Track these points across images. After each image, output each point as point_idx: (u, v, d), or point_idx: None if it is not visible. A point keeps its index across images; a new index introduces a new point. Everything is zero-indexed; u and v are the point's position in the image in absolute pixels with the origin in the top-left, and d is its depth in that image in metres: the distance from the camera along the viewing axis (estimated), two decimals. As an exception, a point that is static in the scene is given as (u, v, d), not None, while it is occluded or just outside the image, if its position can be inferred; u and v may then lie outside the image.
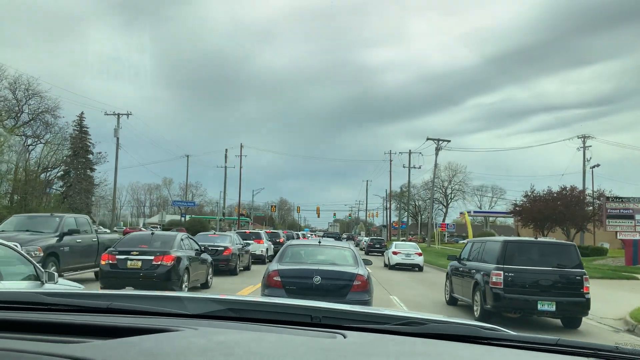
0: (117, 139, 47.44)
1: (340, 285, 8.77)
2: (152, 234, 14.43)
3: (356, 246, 47.99)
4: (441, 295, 15.02)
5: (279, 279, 8.85)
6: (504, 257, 10.53)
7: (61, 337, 1.39)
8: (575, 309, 10.26)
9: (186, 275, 12.97)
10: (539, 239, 12.10)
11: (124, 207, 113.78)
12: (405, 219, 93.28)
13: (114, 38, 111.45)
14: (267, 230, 40.16)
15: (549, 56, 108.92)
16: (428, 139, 52.93)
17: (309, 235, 62.55)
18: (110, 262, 12.29)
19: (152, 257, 12.21)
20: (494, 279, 10.37)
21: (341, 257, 9.86)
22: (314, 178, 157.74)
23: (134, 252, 12.41)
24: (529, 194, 43.58)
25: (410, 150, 65.77)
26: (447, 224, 77.66)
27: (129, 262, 12.25)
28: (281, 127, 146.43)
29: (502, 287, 10.26)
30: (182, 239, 13.84)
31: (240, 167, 63.54)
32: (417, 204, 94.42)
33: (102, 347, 1.26)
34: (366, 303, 8.72)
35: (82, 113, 53.72)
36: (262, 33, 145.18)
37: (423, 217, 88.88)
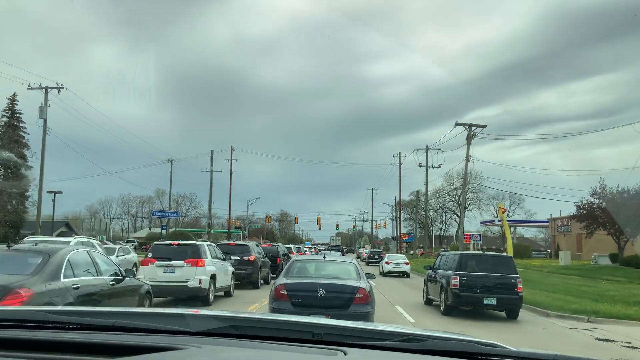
0: (45, 121, 35.31)
1: (343, 298, 9.25)
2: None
3: (357, 258, 51.94)
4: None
5: (285, 292, 9.37)
6: (460, 266, 14.24)
7: (67, 355, 1.44)
8: (511, 303, 13.89)
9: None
10: (485, 253, 15.85)
11: (114, 220, 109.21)
12: (414, 231, 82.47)
13: (116, 56, 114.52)
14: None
15: (549, 69, 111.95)
16: (457, 124, 40.59)
17: (307, 250, 53.41)
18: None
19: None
20: (452, 282, 14.02)
21: (344, 271, 10.39)
22: (316, 192, 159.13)
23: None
24: (599, 191, 34.85)
25: (427, 147, 54.36)
26: (472, 235, 65.71)
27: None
28: (282, 141, 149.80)
29: (458, 287, 13.90)
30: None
31: (231, 173, 56.67)
32: (428, 214, 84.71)
33: None
34: (368, 314, 9.24)
35: (15, 95, 41.81)
36: (263, 47, 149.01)
37: (433, 228, 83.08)
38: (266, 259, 22.75)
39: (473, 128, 40.35)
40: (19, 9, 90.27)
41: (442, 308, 14.74)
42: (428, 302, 17.05)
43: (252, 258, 19.93)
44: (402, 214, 79.11)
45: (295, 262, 11.08)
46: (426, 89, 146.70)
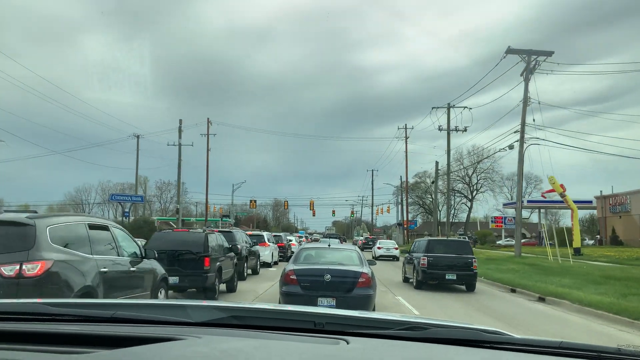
0: None
1: (347, 282, 9.94)
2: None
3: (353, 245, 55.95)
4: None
5: (295, 277, 10.08)
6: (428, 248, 17.67)
7: (66, 347, 1.43)
8: (468, 278, 17.31)
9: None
10: (448, 239, 19.33)
11: (93, 209, 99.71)
12: (420, 216, 78.25)
13: (108, 45, 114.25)
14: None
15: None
16: (509, 51, 29.08)
17: (298, 239, 47.47)
18: None
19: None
20: (422, 262, 17.41)
21: (348, 257, 11.17)
22: (312, 180, 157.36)
23: None
24: None
25: (449, 104, 42.11)
26: (505, 218, 54.86)
27: None
28: (276, 129, 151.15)
29: (426, 266, 17.31)
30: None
31: (208, 150, 48.76)
32: (433, 197, 77.52)
33: (107, 357, 1.31)
34: (370, 296, 10.00)
35: None
36: (256, 36, 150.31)
37: (440, 212, 69.51)
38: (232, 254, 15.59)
39: (534, 57, 28.72)
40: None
41: (414, 283, 18.17)
42: (405, 280, 20.45)
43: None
44: (401, 201, 70.34)
45: (303, 249, 11.98)
46: (421, 76, 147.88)
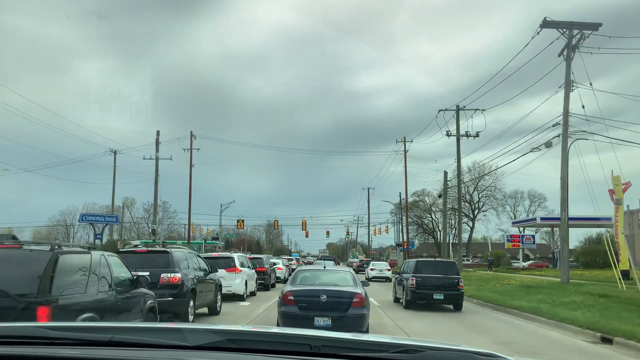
0: None
1: (343, 302, 10.39)
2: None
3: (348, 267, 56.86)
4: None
5: (293, 298, 10.55)
6: (416, 269, 18.36)
7: None
8: (454, 297, 17.97)
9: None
10: (436, 259, 20.07)
11: (78, 232, 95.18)
12: (418, 237, 73.20)
13: (102, 72, 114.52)
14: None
15: (534, 77, 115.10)
16: (545, 24, 22.87)
17: (287, 262, 41.47)
18: None
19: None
20: (410, 282, 18.07)
21: (343, 279, 11.74)
22: (306, 203, 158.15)
23: None
24: None
25: (458, 106, 38.52)
26: (522, 237, 48.08)
27: None
28: (270, 153, 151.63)
29: (415, 286, 17.96)
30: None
31: (191, 166, 46.03)
32: (433, 217, 73.66)
33: None
34: (364, 316, 10.47)
35: None
36: (249, 61, 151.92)
37: (441, 233, 66.14)
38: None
39: (576, 32, 22.61)
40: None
41: (403, 303, 18.78)
42: (396, 300, 21.05)
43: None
44: (401, 220, 66.90)
45: (299, 271, 12.61)
46: (413, 99, 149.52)
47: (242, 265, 20.40)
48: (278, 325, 10.88)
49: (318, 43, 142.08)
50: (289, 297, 10.59)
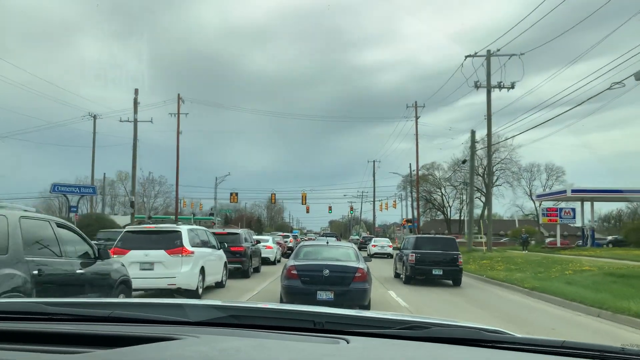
0: None
1: (345, 277, 10.55)
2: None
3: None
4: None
5: (296, 272, 10.72)
6: (416, 245, 18.62)
7: (62, 347, 1.42)
8: (454, 273, 18.26)
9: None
10: (435, 236, 20.31)
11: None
12: (427, 212, 68.55)
13: (103, 45, 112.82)
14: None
15: (542, 53, 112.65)
16: None
17: (283, 239, 39.24)
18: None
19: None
20: (410, 258, 18.36)
21: (345, 254, 11.93)
22: (309, 179, 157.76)
23: None
24: None
25: (489, 51, 31.39)
26: (560, 210, 40.93)
27: None
28: (273, 129, 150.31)
29: (414, 262, 18.25)
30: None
31: (178, 132, 42.41)
32: (444, 192, 70.06)
33: (104, 357, 1.30)
34: (366, 290, 10.58)
35: None
36: (252, 36, 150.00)
37: (451, 209, 67.23)
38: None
39: None
40: None
41: (403, 278, 19.11)
42: (396, 275, 21.38)
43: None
44: (411, 194, 61.80)
45: (302, 246, 12.73)
46: (418, 75, 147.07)
47: (198, 244, 13.79)
48: (281, 299, 11.09)
49: (321, 17, 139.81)
50: (292, 272, 10.77)
